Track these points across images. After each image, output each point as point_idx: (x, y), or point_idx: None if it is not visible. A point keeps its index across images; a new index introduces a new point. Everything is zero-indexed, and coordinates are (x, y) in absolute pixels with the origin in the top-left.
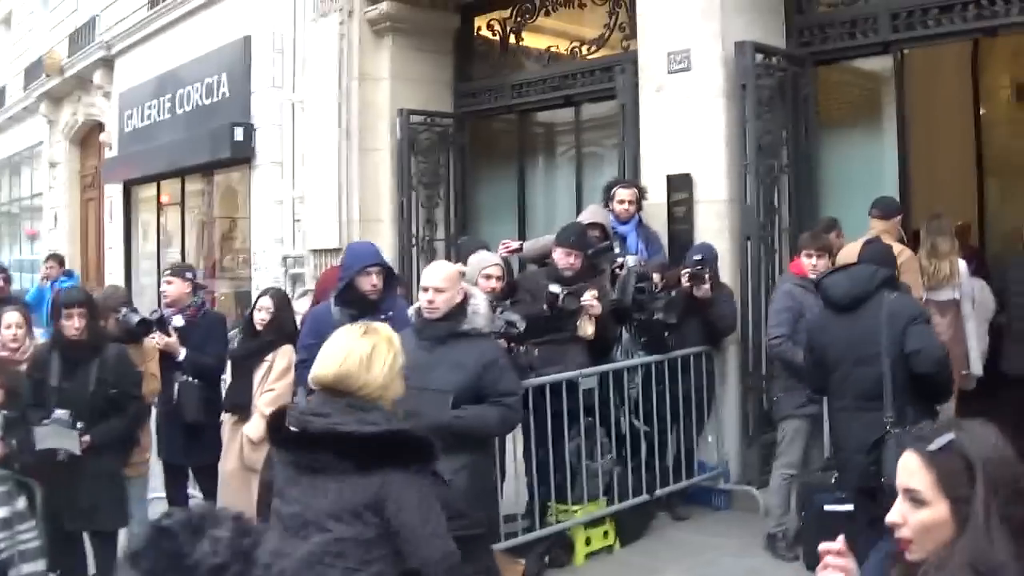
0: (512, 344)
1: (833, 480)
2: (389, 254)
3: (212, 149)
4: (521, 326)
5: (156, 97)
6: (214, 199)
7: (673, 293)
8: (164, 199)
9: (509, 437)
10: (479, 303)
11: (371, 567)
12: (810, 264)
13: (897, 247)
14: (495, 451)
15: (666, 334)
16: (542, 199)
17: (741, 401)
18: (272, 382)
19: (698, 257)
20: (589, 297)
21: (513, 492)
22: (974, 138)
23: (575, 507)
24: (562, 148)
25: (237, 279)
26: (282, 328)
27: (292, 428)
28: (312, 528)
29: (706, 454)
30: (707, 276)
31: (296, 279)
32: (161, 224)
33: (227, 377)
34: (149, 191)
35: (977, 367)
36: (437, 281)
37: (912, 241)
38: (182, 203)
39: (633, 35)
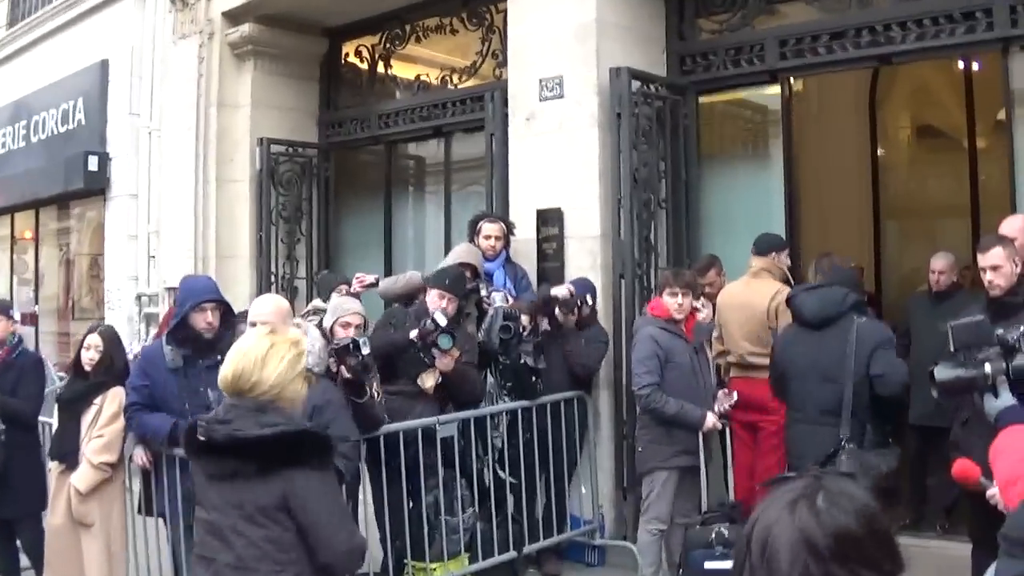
0: (352, 375)
1: (713, 536)
2: (247, 291)
3: (66, 180)
4: (365, 349)
5: (12, 124)
6: (83, 234)
7: (534, 325)
8: (23, 234)
9: (362, 487)
10: (312, 341)
11: (292, 567)
12: (675, 303)
13: (775, 285)
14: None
15: (534, 379)
16: (411, 234)
17: (616, 449)
18: (101, 427)
19: (572, 289)
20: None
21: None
22: (870, 178)
23: (433, 565)
24: (432, 181)
25: (96, 319)
26: (112, 368)
27: (201, 438)
28: (230, 533)
29: (579, 507)
30: (576, 309)
31: (151, 319)
32: (16, 260)
33: (51, 421)
34: (4, 227)
35: None
36: (264, 316)
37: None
38: (36, 238)
39: (506, 63)
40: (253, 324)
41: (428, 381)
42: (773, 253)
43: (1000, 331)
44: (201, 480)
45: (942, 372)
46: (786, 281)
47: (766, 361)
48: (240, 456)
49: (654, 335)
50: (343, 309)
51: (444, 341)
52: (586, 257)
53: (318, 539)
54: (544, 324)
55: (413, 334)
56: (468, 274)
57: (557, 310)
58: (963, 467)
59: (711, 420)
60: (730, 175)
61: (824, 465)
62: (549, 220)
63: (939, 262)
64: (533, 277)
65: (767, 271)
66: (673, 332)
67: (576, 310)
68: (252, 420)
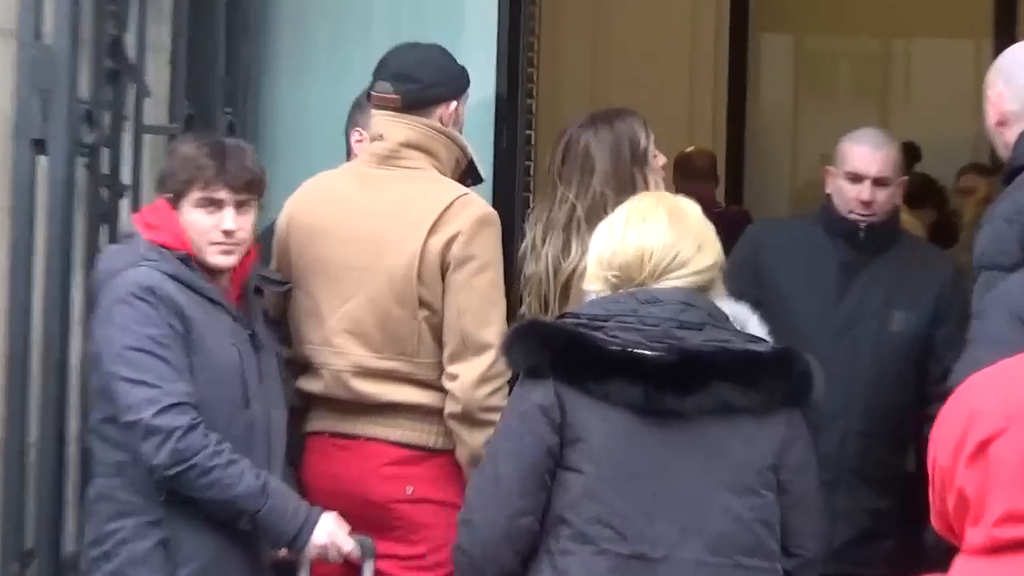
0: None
1: None
2: None
3: None
4: None
5: None
6: None
7: None
8: None
9: None
10: None
11: (776, 561)
12: (211, 227)
13: (446, 190)
14: None
15: None
16: None
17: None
18: None
19: None
20: None
21: None
22: None
23: None
24: None
25: None
26: None
27: (643, 352)
28: (708, 508)
29: None
30: None
31: None
32: None
33: None
34: None
35: None
36: None
37: None
38: None
39: None
40: None
41: None
42: (444, 107)
43: None
44: (621, 423)
45: None
46: (471, 175)
47: (410, 398)
48: (730, 379)
49: (162, 291)
50: None
51: None
52: None
53: (803, 518)
54: None
55: None
56: None
57: None
58: None
59: (327, 528)
60: None
61: None
62: None
63: (876, 155)
64: None
65: (422, 151)
66: (200, 289)
67: None
68: (714, 324)
